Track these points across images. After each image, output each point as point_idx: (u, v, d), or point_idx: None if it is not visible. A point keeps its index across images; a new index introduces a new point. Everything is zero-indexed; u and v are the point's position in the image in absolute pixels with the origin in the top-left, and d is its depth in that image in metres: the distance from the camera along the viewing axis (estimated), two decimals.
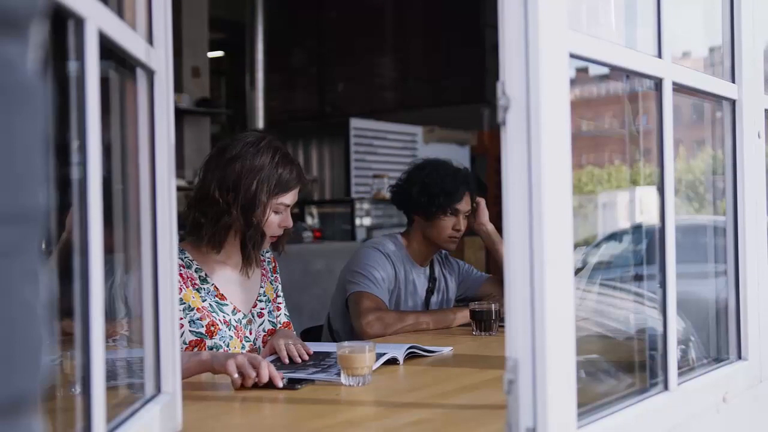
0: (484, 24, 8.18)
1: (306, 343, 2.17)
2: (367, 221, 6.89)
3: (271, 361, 1.96)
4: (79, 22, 0.92)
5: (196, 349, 2.11)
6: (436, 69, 8.70)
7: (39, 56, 0.62)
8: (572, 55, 1.15)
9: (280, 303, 2.41)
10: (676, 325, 1.45)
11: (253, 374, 1.76)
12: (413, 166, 2.95)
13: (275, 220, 2.21)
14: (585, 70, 1.36)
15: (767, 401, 1.81)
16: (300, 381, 1.81)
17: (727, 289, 1.76)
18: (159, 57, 1.29)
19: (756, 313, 1.75)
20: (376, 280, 2.73)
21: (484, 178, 6.14)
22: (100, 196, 0.94)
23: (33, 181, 0.61)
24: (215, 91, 8.75)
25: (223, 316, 2.19)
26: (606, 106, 1.86)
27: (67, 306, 0.93)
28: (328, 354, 2.09)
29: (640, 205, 1.83)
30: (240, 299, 2.26)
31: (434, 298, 2.97)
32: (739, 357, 1.73)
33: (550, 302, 1.07)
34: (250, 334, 2.25)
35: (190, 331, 2.12)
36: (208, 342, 2.13)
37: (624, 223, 2.50)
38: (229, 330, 2.18)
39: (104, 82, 1.01)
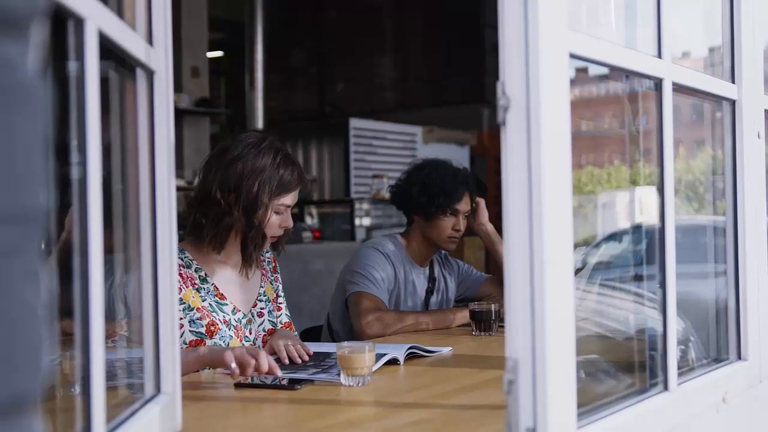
0: (484, 24, 8.18)
1: (306, 343, 2.17)
2: (366, 221, 6.89)
3: None
4: (79, 22, 0.92)
5: None
6: (436, 69, 8.70)
7: (39, 56, 0.62)
8: (572, 55, 1.15)
9: (281, 303, 2.41)
10: (676, 326, 1.45)
11: (252, 362, 1.76)
12: (413, 166, 2.95)
13: (276, 221, 2.21)
14: (585, 70, 1.36)
15: (767, 401, 1.81)
16: (300, 381, 1.81)
17: (727, 289, 1.76)
18: (159, 57, 1.29)
19: (756, 313, 1.75)
20: (375, 280, 2.73)
21: (484, 178, 6.14)
22: (100, 196, 0.94)
23: (33, 181, 0.61)
24: (215, 91, 8.74)
25: (223, 316, 2.19)
26: (606, 106, 1.86)
27: (67, 306, 0.93)
28: (328, 354, 2.09)
29: (639, 205, 1.83)
30: (240, 299, 2.26)
31: (434, 299, 2.97)
32: (739, 357, 1.73)
33: (550, 302, 1.07)
34: (250, 333, 2.25)
35: (190, 330, 2.12)
36: (208, 342, 2.13)
37: (624, 223, 2.50)
38: (229, 330, 2.18)
39: (104, 82, 1.01)
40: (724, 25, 1.74)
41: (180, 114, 6.75)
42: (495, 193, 3.59)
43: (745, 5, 1.73)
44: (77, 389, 1.02)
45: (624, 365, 1.62)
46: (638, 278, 1.74)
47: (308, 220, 6.85)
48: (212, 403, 1.73)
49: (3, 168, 0.58)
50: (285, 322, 2.39)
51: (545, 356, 1.06)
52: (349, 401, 1.70)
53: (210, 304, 2.18)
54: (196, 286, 2.18)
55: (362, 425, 1.54)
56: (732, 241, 1.74)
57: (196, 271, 2.20)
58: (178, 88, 6.41)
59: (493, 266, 3.11)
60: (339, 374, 1.80)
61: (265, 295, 2.34)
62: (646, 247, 1.69)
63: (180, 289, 2.12)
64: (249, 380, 1.82)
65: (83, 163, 0.92)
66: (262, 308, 2.32)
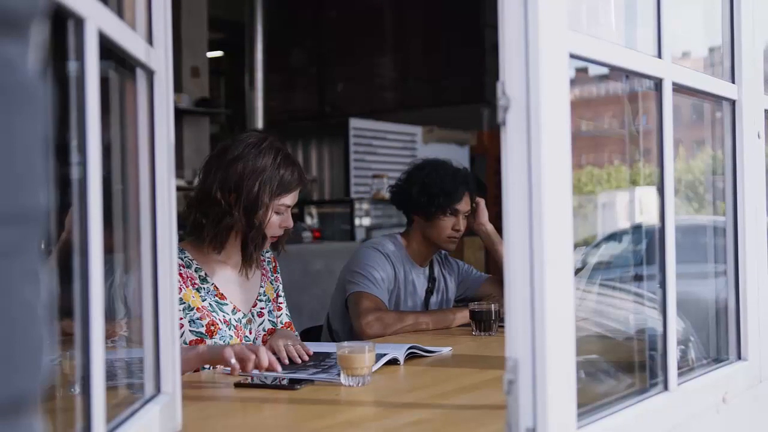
0: (484, 24, 8.17)
1: (306, 343, 2.17)
2: (366, 221, 6.89)
3: None
4: (79, 22, 0.92)
5: None
6: (436, 69, 8.70)
7: (39, 56, 0.62)
8: (572, 55, 1.15)
9: (281, 303, 2.41)
10: (676, 326, 1.45)
11: (252, 357, 1.76)
12: (413, 166, 2.95)
13: (276, 221, 2.21)
14: (585, 70, 1.36)
15: (767, 401, 1.81)
16: (300, 381, 1.81)
17: (727, 290, 1.76)
18: (159, 57, 1.29)
19: (756, 313, 1.75)
20: (375, 280, 2.73)
21: (484, 178, 6.14)
22: (100, 196, 0.94)
23: (33, 181, 0.61)
24: (214, 91, 8.74)
25: (223, 316, 2.19)
26: (606, 106, 1.86)
27: (67, 306, 0.93)
28: (328, 354, 2.09)
29: (639, 205, 1.83)
30: (240, 299, 2.26)
31: (434, 299, 2.97)
32: (739, 357, 1.73)
33: (550, 302, 1.07)
34: (250, 333, 2.25)
35: (190, 330, 2.12)
36: (209, 342, 2.13)
37: (624, 223, 2.50)
38: (229, 329, 2.18)
39: (104, 82, 1.01)
40: (724, 25, 1.74)
41: (180, 114, 6.75)
42: (495, 193, 3.59)
43: (745, 5, 1.73)
44: (77, 389, 1.02)
45: (624, 365, 1.62)
46: (638, 278, 1.74)
47: (308, 220, 6.85)
48: (212, 403, 1.73)
49: (3, 168, 0.58)
50: (285, 322, 2.40)
51: (545, 356, 1.06)
52: (349, 401, 1.70)
53: (210, 303, 2.18)
54: (196, 286, 2.18)
55: (362, 425, 1.54)
56: (732, 241, 1.74)
57: (196, 271, 2.20)
58: (178, 88, 6.41)
59: (493, 266, 3.11)
60: (339, 374, 1.80)
61: (265, 295, 2.34)
62: (646, 247, 1.69)
63: (180, 288, 2.12)
64: (249, 380, 1.82)
65: (83, 163, 0.92)
66: (262, 308, 2.32)
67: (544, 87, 1.07)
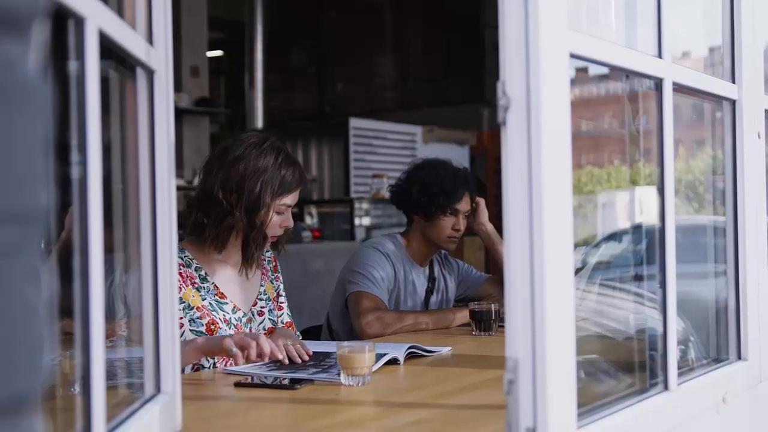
0: (484, 24, 8.17)
1: (306, 342, 2.17)
2: (366, 221, 6.90)
3: (271, 362, 1.96)
4: (79, 22, 0.92)
5: None
6: (436, 69, 8.70)
7: (40, 56, 0.62)
8: (572, 55, 1.15)
9: (282, 302, 2.41)
10: (676, 326, 1.45)
11: (253, 343, 1.77)
12: (413, 166, 2.95)
13: (277, 221, 2.22)
14: (585, 70, 1.36)
15: (767, 401, 1.81)
16: (300, 381, 1.81)
17: (727, 289, 1.76)
18: (159, 56, 1.29)
19: (756, 313, 1.75)
20: (375, 279, 2.73)
21: (484, 178, 6.14)
22: (100, 196, 0.94)
23: (33, 181, 0.61)
24: (214, 90, 8.75)
25: (223, 315, 2.19)
26: (606, 106, 1.86)
27: (67, 305, 0.93)
28: (328, 354, 2.09)
29: (639, 205, 1.83)
30: (240, 298, 2.26)
31: (434, 298, 2.97)
32: (739, 357, 1.73)
33: (550, 302, 1.07)
34: (250, 332, 2.25)
35: (190, 330, 2.13)
36: None
37: (624, 223, 2.50)
38: (229, 329, 2.19)
39: (104, 82, 1.01)
40: (724, 25, 1.74)
41: (180, 113, 6.75)
42: (495, 193, 3.59)
43: (745, 5, 1.73)
44: (77, 389, 1.02)
45: (624, 365, 1.62)
46: (638, 278, 1.74)
47: (308, 220, 6.85)
48: (212, 403, 1.73)
49: (3, 168, 0.58)
50: (287, 322, 2.40)
51: (545, 356, 1.06)
52: (349, 401, 1.70)
53: (210, 303, 2.18)
54: (196, 285, 2.18)
55: (362, 425, 1.54)
56: (732, 241, 1.74)
57: (196, 270, 2.20)
58: (177, 87, 6.41)
59: (493, 266, 3.11)
60: (339, 374, 1.80)
61: (265, 294, 2.34)
62: (646, 247, 1.69)
63: (180, 288, 2.12)
64: (249, 380, 1.82)
65: (83, 163, 0.92)
66: (262, 307, 2.32)
67: (545, 87, 1.07)
